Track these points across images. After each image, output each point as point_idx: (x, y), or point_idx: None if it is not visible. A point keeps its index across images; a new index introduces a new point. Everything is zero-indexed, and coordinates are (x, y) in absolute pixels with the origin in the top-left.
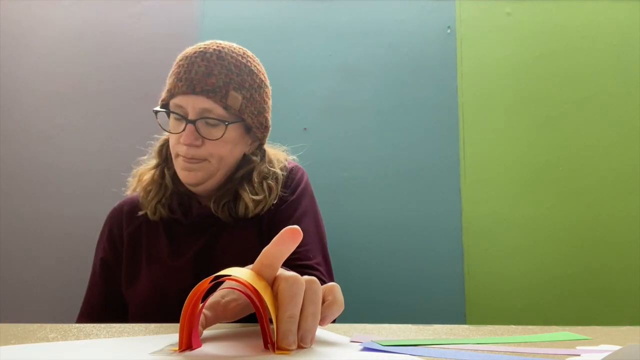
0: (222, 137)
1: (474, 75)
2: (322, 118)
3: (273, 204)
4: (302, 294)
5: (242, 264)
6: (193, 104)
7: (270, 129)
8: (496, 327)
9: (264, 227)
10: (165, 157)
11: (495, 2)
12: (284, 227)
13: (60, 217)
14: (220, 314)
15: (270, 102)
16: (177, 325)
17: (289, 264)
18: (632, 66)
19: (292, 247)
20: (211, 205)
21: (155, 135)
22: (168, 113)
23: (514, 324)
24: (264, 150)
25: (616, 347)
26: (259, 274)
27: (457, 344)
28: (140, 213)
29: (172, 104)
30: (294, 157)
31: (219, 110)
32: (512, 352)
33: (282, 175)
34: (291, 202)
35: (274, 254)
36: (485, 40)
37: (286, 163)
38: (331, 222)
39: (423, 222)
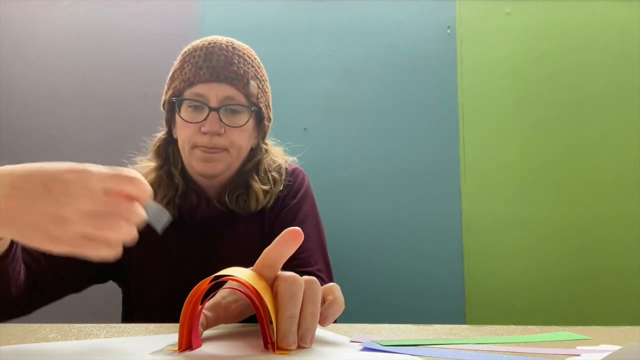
0: (245, 124)
1: (474, 75)
2: (322, 118)
3: (274, 206)
4: (302, 294)
5: (246, 264)
6: (216, 92)
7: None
8: (496, 327)
9: (266, 229)
10: (166, 156)
11: (495, 2)
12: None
13: None
14: (221, 315)
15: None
16: (177, 325)
17: (290, 270)
18: (632, 66)
19: (294, 248)
20: (225, 198)
21: (144, 138)
22: (180, 103)
23: (514, 324)
24: (265, 144)
25: (616, 347)
26: (260, 274)
27: (457, 344)
28: None
29: (191, 93)
30: (294, 159)
31: (240, 98)
32: (512, 352)
33: (285, 168)
34: (292, 206)
35: (275, 255)
36: (485, 40)
37: (285, 160)
38: (331, 222)
39: (423, 222)
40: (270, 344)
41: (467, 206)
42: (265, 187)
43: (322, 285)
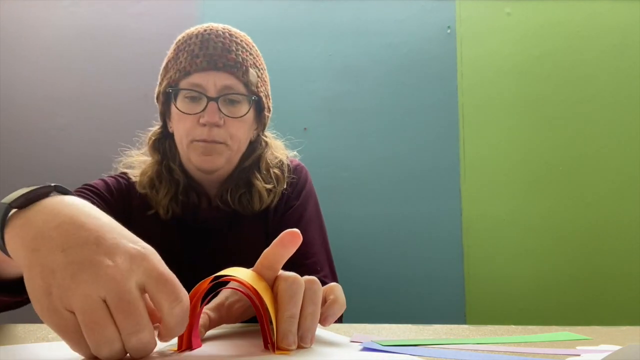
0: (246, 114)
1: (474, 75)
2: (322, 118)
3: (278, 206)
4: (302, 294)
5: (251, 265)
6: (214, 81)
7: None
8: (496, 327)
9: (270, 230)
10: (163, 151)
11: (495, 2)
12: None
13: None
14: (224, 316)
15: None
16: None
17: None
18: (632, 66)
19: (292, 250)
20: (228, 198)
21: (139, 132)
22: (176, 94)
23: (514, 324)
24: (265, 136)
25: (616, 347)
26: (260, 275)
27: (457, 344)
28: (150, 213)
29: (187, 83)
30: (295, 154)
31: (240, 87)
32: (512, 352)
33: (287, 164)
34: (296, 207)
35: (274, 256)
36: (485, 40)
37: (286, 155)
38: (331, 222)
39: (423, 222)
40: (270, 344)
41: (467, 206)
42: (268, 186)
43: None
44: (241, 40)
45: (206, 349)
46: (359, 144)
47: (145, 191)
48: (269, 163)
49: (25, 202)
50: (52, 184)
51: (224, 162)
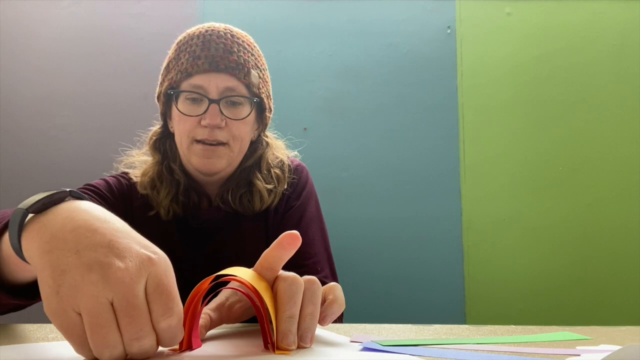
0: (247, 116)
1: (474, 75)
2: (322, 118)
3: (279, 206)
4: (301, 294)
5: (252, 265)
6: (216, 83)
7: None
8: (496, 327)
9: (270, 230)
10: (164, 151)
11: (495, 2)
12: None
13: None
14: (225, 316)
15: None
16: None
17: None
18: (632, 66)
19: (292, 252)
20: (229, 198)
21: (139, 132)
22: (177, 95)
23: (514, 324)
24: (266, 136)
25: (616, 347)
26: (260, 275)
27: (457, 344)
28: (151, 213)
29: (188, 84)
30: (296, 153)
31: (241, 89)
32: (512, 352)
33: (287, 165)
34: (297, 208)
35: (273, 258)
36: (485, 40)
37: (286, 155)
38: (330, 222)
39: (423, 222)
40: (270, 344)
41: (467, 206)
42: (269, 186)
43: None
44: (243, 41)
45: (206, 349)
46: (359, 144)
47: (147, 192)
48: (270, 163)
49: (42, 207)
50: (68, 189)
51: (224, 164)
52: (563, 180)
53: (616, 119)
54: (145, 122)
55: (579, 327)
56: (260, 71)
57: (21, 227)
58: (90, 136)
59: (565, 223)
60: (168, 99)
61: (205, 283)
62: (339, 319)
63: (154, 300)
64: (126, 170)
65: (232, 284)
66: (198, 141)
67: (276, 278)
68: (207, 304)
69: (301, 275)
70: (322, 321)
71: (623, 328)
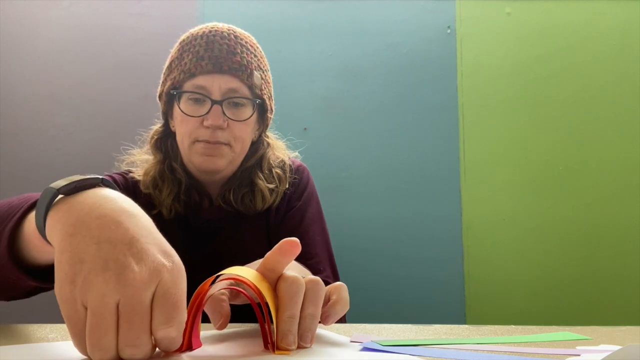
0: (249, 118)
1: (474, 75)
2: (322, 118)
3: (280, 206)
4: (302, 295)
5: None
6: (219, 84)
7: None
8: (496, 327)
9: (272, 229)
10: (165, 150)
11: (495, 2)
12: (291, 235)
13: None
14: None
15: None
16: None
17: None
18: (632, 66)
19: (291, 259)
20: (230, 197)
21: (140, 130)
22: (180, 95)
23: (514, 324)
24: (267, 137)
25: (616, 347)
26: (262, 275)
27: (457, 344)
28: (154, 212)
29: (191, 85)
30: (297, 154)
31: (244, 90)
32: (512, 352)
33: (288, 165)
34: (298, 208)
35: (274, 261)
36: (485, 40)
37: (287, 155)
38: (331, 222)
39: (423, 222)
40: (270, 344)
41: (467, 206)
42: (271, 186)
43: None
44: (246, 42)
45: (206, 349)
46: (359, 144)
47: (149, 191)
48: (271, 163)
49: (74, 189)
50: (100, 177)
51: (226, 163)
52: (563, 180)
53: (616, 119)
54: (145, 122)
55: (579, 327)
56: (263, 72)
57: (49, 206)
58: (90, 136)
59: (565, 223)
60: (170, 98)
61: (207, 284)
62: (343, 319)
63: (157, 306)
64: (128, 169)
65: (230, 283)
66: (200, 141)
67: (279, 278)
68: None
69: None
70: (324, 320)
71: (623, 328)
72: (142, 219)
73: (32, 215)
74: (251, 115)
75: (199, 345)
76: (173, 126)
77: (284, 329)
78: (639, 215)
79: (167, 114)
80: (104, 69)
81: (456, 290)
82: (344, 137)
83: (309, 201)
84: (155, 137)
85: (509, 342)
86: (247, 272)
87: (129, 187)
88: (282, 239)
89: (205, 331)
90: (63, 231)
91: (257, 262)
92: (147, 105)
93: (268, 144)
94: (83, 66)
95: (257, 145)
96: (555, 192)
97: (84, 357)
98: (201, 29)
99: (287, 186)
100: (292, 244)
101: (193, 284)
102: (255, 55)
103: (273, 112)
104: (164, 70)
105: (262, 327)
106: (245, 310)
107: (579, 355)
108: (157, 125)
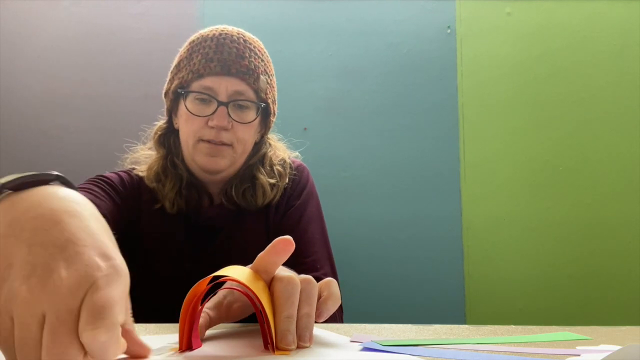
0: (253, 121)
1: (474, 75)
2: (322, 118)
3: (280, 203)
4: (298, 294)
5: (252, 262)
6: (226, 86)
7: None
8: (496, 327)
9: (271, 226)
10: (168, 146)
11: (495, 2)
12: (290, 234)
13: None
14: (223, 315)
15: None
16: (177, 325)
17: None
18: (632, 66)
19: (285, 257)
20: (232, 192)
21: (143, 126)
22: (187, 95)
23: (514, 324)
24: (269, 138)
25: (616, 347)
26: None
27: (457, 344)
28: (157, 206)
29: (199, 85)
30: (297, 154)
31: (250, 94)
32: (512, 352)
33: (289, 163)
34: (297, 207)
35: (267, 262)
36: (485, 40)
37: (288, 155)
38: (331, 222)
39: (423, 222)
40: (270, 344)
41: (467, 206)
42: (272, 181)
43: None
44: (254, 47)
45: (206, 349)
46: (359, 144)
47: (153, 184)
48: (273, 161)
49: (20, 185)
50: (56, 173)
51: (228, 163)
52: (563, 180)
53: (616, 119)
54: (145, 122)
55: (579, 327)
56: (269, 77)
57: None
58: (90, 136)
59: (565, 223)
60: (176, 96)
61: (204, 284)
62: (339, 319)
63: (84, 308)
64: (133, 166)
65: (230, 284)
66: (204, 141)
67: (273, 278)
68: (206, 303)
69: (301, 272)
70: (317, 317)
71: (623, 328)
72: (86, 220)
73: None
74: (255, 118)
75: (199, 345)
76: (177, 124)
77: (282, 329)
78: (639, 215)
79: (172, 112)
80: (104, 69)
81: (456, 290)
82: (344, 137)
83: (309, 200)
84: (159, 133)
85: (509, 342)
86: (241, 273)
87: (134, 183)
88: (281, 235)
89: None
90: None
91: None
92: (147, 105)
93: (270, 144)
94: (83, 66)
95: (259, 146)
96: (555, 192)
97: None
98: (211, 30)
99: (287, 181)
100: (286, 243)
101: (194, 279)
102: (262, 60)
103: (276, 116)
104: (171, 69)
105: (262, 327)
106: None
107: (579, 355)
108: (161, 122)
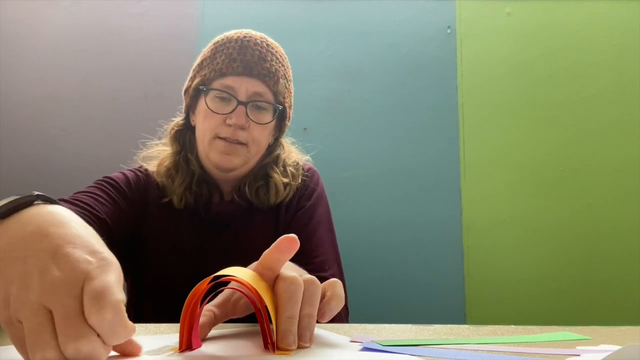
0: (270, 122)
1: (474, 75)
2: (322, 118)
3: (290, 204)
4: (301, 295)
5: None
6: (247, 86)
7: None
8: (496, 327)
9: (280, 226)
10: (183, 142)
11: (495, 2)
12: (299, 234)
13: None
14: (230, 311)
15: None
16: (177, 325)
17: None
18: (632, 66)
19: (289, 255)
20: (246, 190)
21: (160, 122)
22: (208, 92)
23: (514, 324)
24: (281, 142)
25: (616, 347)
26: (260, 275)
27: (457, 344)
28: (165, 200)
29: (220, 84)
30: (308, 158)
31: (269, 96)
32: (512, 352)
33: (301, 166)
34: (308, 208)
35: (272, 259)
36: (485, 40)
37: (299, 157)
38: None
39: (423, 222)
40: (270, 344)
41: (467, 206)
42: (285, 180)
43: None
44: (276, 51)
45: (206, 349)
46: (359, 144)
47: (162, 180)
48: (286, 162)
49: (7, 212)
50: (35, 194)
51: (241, 162)
52: (563, 180)
53: (616, 119)
54: (145, 122)
55: (579, 327)
56: (287, 82)
57: None
58: (91, 136)
59: (565, 223)
60: (196, 94)
61: (204, 284)
62: (345, 319)
63: (85, 297)
64: (143, 163)
65: (232, 284)
66: (220, 138)
67: (276, 278)
68: (207, 303)
69: (309, 272)
70: (320, 317)
71: (623, 328)
72: (72, 228)
73: None
74: (271, 120)
75: (199, 345)
76: (194, 121)
77: (283, 329)
78: (639, 216)
79: (190, 109)
80: (104, 69)
81: (456, 291)
82: (344, 137)
83: (319, 202)
84: (176, 128)
85: (509, 342)
86: (243, 273)
87: (140, 181)
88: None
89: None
90: None
91: (255, 264)
92: (147, 105)
93: (283, 147)
94: (83, 66)
95: (273, 148)
96: (555, 193)
97: None
98: (236, 33)
99: (299, 181)
100: (290, 241)
101: (200, 275)
102: (282, 65)
103: (290, 120)
104: (193, 67)
105: (262, 327)
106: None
107: (579, 355)
108: (178, 119)
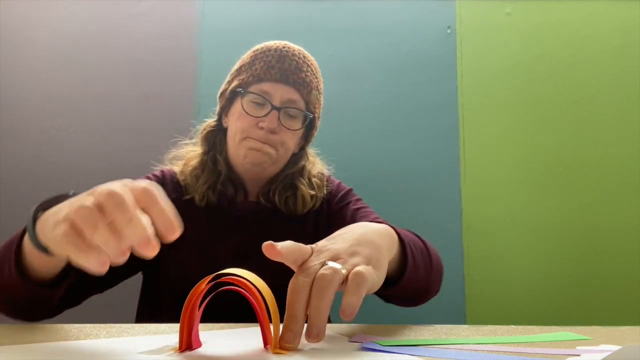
0: (299, 129)
1: (474, 75)
2: (322, 118)
3: (321, 210)
4: (306, 292)
5: (270, 262)
6: (282, 93)
7: None
8: (496, 327)
9: (308, 231)
10: (213, 143)
11: (495, 2)
12: (350, 222)
13: None
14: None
15: None
16: (177, 325)
17: None
18: (632, 66)
19: (285, 259)
20: (275, 199)
21: (193, 122)
22: (244, 95)
23: (514, 324)
24: (307, 153)
25: (616, 347)
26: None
27: (457, 344)
28: (186, 197)
29: (257, 88)
30: (329, 168)
31: (301, 104)
32: (512, 352)
33: (325, 178)
34: (347, 202)
35: (294, 251)
36: (485, 40)
37: (323, 168)
38: None
39: (423, 222)
40: (270, 344)
41: (467, 207)
42: (312, 192)
43: None
44: (311, 64)
45: (206, 349)
46: (359, 144)
47: (185, 178)
48: (311, 173)
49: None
50: (71, 192)
51: (269, 161)
52: (563, 180)
53: (616, 119)
54: (145, 122)
55: (579, 327)
56: (319, 94)
57: (35, 220)
58: (90, 136)
59: (565, 223)
60: (232, 96)
61: (203, 284)
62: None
63: (130, 192)
64: (169, 164)
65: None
66: (251, 138)
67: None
68: (207, 304)
69: None
70: (341, 314)
71: (623, 328)
72: None
73: (27, 238)
74: (301, 127)
75: (199, 345)
76: (226, 123)
77: (283, 327)
78: (639, 215)
79: (224, 111)
80: (104, 69)
81: (456, 291)
82: (343, 137)
83: (354, 195)
84: (208, 129)
85: (509, 342)
86: (245, 273)
87: (156, 180)
88: (335, 230)
89: (205, 331)
90: (48, 222)
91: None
92: (147, 105)
93: (308, 157)
94: (83, 66)
95: (300, 156)
96: (555, 192)
97: (84, 358)
98: (275, 43)
99: (324, 192)
100: (267, 248)
101: (213, 270)
102: (316, 77)
103: (317, 131)
104: (231, 72)
105: (262, 327)
106: (245, 310)
107: (579, 355)
108: (211, 120)
